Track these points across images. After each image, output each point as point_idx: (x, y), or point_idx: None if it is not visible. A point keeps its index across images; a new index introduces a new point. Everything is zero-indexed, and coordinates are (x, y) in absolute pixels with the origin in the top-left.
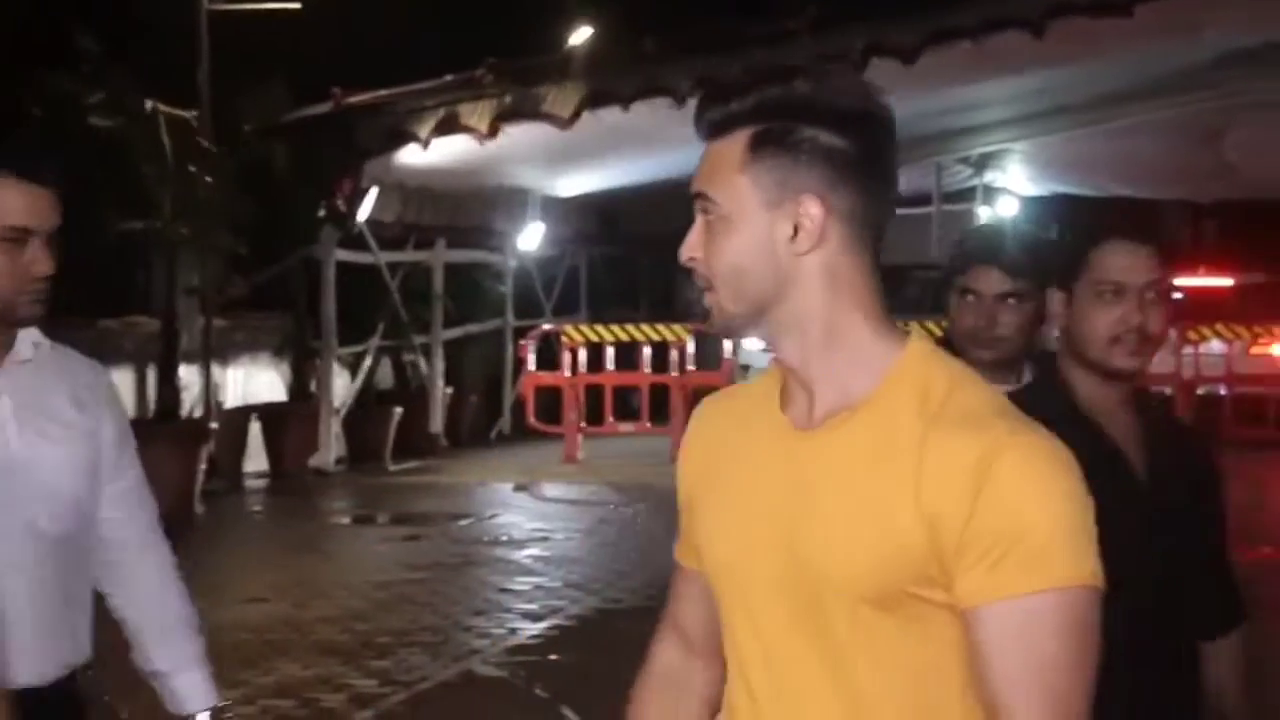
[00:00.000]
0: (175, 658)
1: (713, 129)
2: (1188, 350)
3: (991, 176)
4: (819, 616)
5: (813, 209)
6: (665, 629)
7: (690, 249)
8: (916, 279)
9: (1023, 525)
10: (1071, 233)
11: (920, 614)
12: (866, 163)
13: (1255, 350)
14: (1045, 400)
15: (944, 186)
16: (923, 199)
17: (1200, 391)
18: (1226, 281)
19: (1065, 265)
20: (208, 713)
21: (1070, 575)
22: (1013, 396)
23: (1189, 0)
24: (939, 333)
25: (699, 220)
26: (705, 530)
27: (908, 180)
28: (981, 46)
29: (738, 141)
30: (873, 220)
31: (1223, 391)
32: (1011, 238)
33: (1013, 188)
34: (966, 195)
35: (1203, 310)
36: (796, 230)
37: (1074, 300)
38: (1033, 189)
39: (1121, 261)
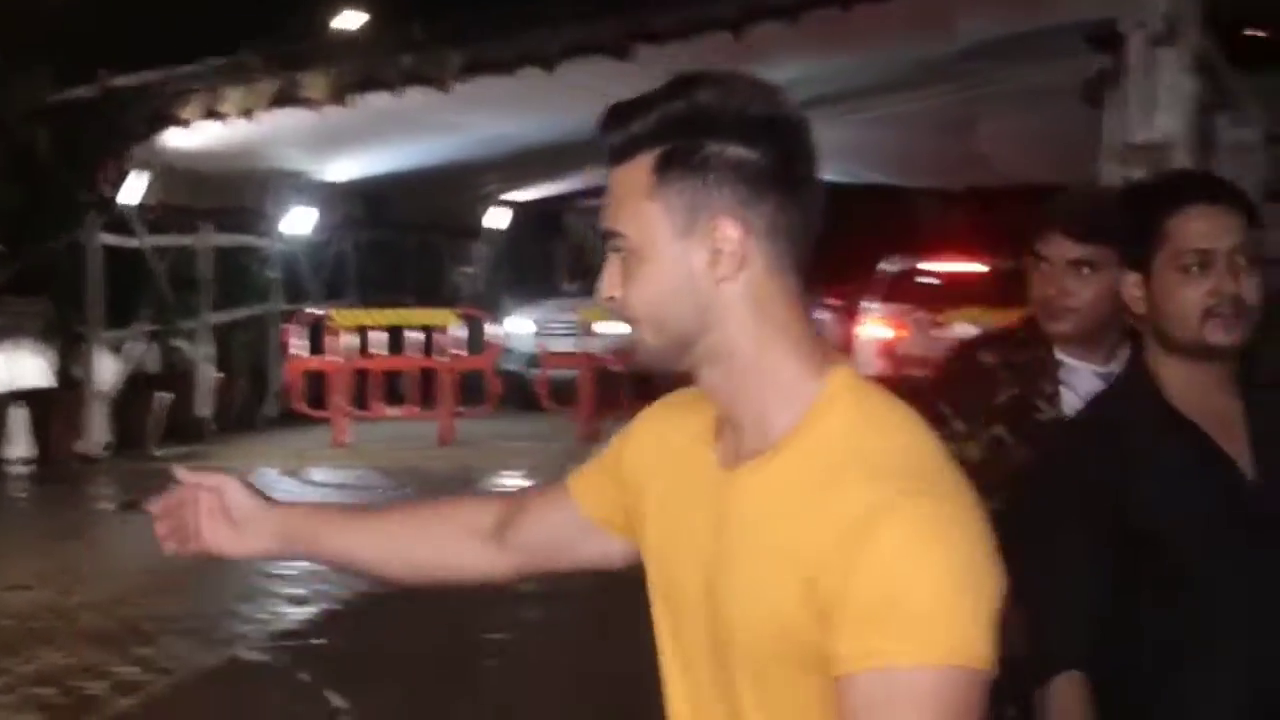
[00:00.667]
0: None
1: (614, 154)
2: (942, 332)
3: None
4: (729, 672)
5: (730, 232)
6: (503, 501)
7: (607, 289)
8: None
9: (898, 592)
10: (1139, 201)
11: None
12: (783, 173)
13: None
14: (1133, 403)
15: None
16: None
17: None
18: (978, 266)
19: (1137, 241)
20: None
21: (947, 654)
22: (1098, 400)
23: None
24: None
25: (612, 257)
26: (645, 541)
27: None
28: (740, 37)
29: (642, 166)
30: (798, 236)
31: None
32: (1087, 199)
33: None
34: None
35: (955, 293)
36: (715, 257)
37: (1153, 279)
38: None
39: (1204, 227)
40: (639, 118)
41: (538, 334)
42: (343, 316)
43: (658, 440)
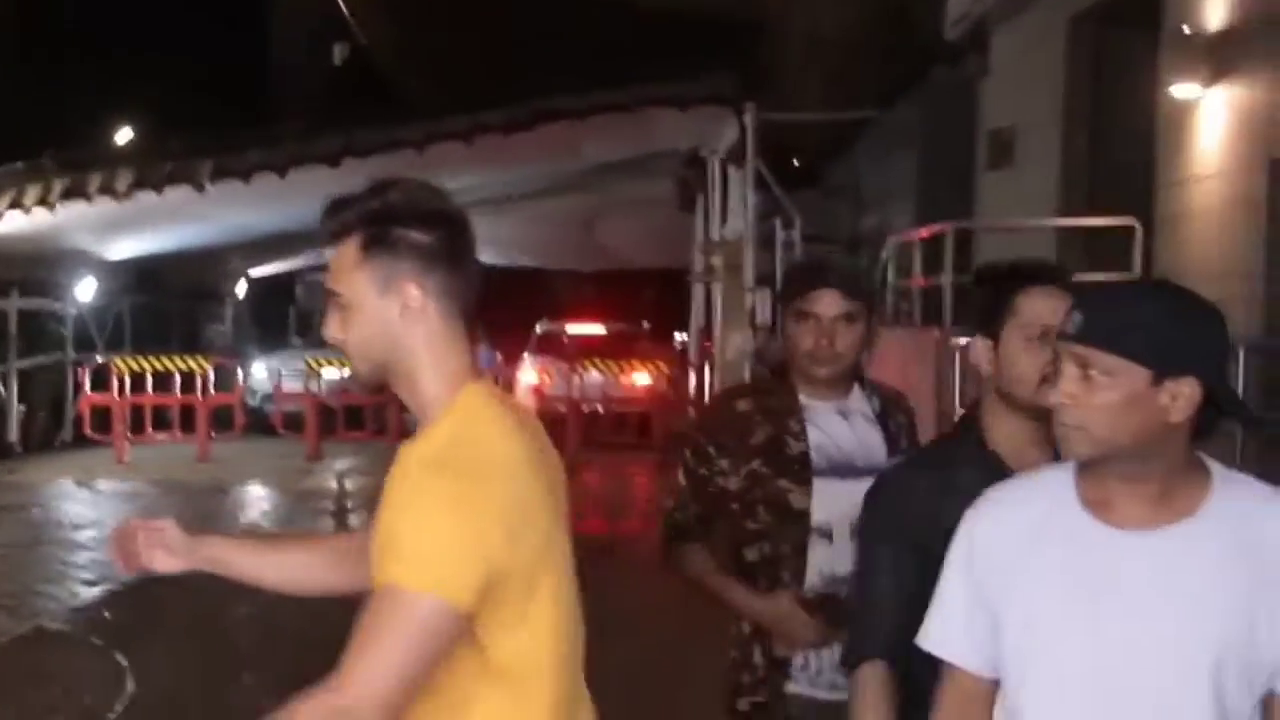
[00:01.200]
0: None
1: (332, 236)
2: (576, 378)
3: None
4: None
5: (413, 292)
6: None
7: (331, 330)
8: None
9: (399, 533)
10: (989, 281)
11: None
12: (449, 250)
13: (622, 379)
14: (962, 447)
15: None
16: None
17: (585, 409)
18: (601, 329)
19: (989, 312)
20: None
21: (430, 584)
22: (933, 442)
23: (574, 126)
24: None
25: (333, 309)
26: None
27: None
28: (424, 154)
29: (352, 246)
30: (460, 294)
31: (600, 409)
32: (839, 265)
33: None
34: None
35: (586, 349)
36: (404, 309)
37: (1001, 345)
38: None
39: (1047, 306)
40: (348, 210)
41: (273, 377)
42: (122, 363)
43: None
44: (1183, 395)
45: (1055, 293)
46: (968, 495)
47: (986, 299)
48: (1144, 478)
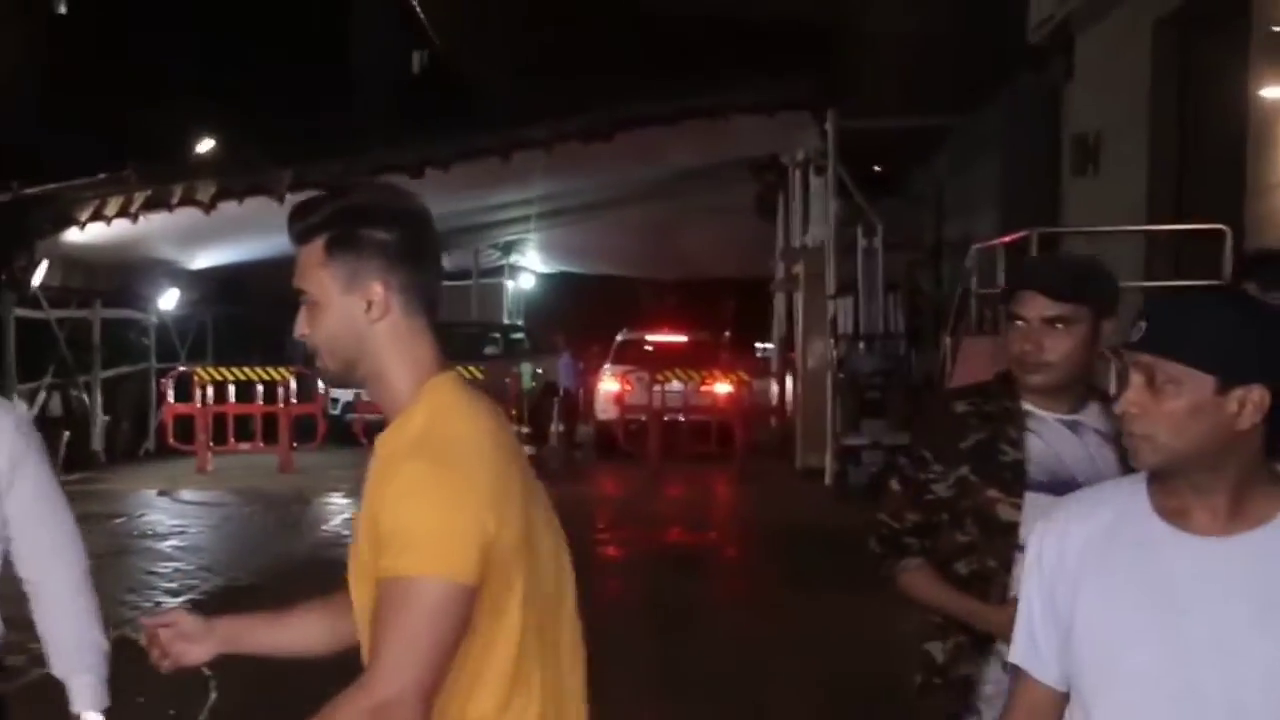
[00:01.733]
0: (68, 666)
1: (298, 238)
2: (657, 387)
3: (515, 258)
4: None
5: (377, 289)
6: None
7: (300, 328)
8: (459, 334)
9: (399, 527)
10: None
11: None
12: (412, 250)
13: (703, 389)
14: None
15: (480, 265)
16: (465, 274)
17: (666, 418)
18: (682, 338)
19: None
20: (97, 714)
21: (431, 568)
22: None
23: (656, 132)
24: (479, 375)
25: (302, 308)
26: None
27: (453, 260)
28: (509, 162)
29: (317, 246)
30: (424, 291)
31: (681, 418)
32: (1058, 264)
33: (530, 266)
34: (497, 272)
35: (667, 358)
36: (369, 306)
37: None
38: (544, 268)
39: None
40: (314, 213)
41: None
42: (205, 373)
43: None
44: (1251, 402)
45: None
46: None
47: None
48: (1213, 487)
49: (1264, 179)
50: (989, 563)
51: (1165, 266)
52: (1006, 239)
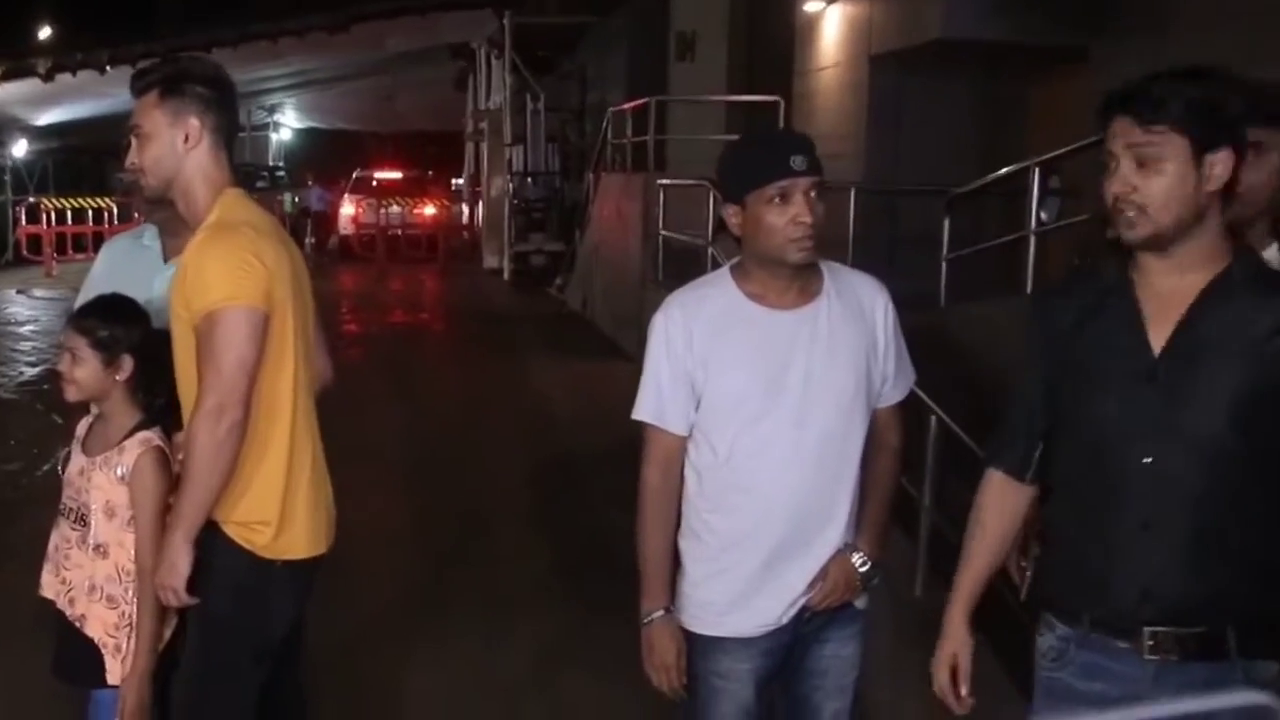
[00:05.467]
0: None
1: (140, 90)
2: (383, 210)
3: (277, 116)
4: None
5: (194, 123)
6: None
7: (131, 157)
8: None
9: (195, 279)
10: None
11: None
12: (220, 102)
13: (415, 211)
14: (1102, 278)
15: (252, 121)
16: (240, 128)
17: (389, 233)
18: (399, 175)
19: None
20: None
21: (224, 300)
22: (1075, 276)
23: (381, 25)
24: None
25: (134, 141)
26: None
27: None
28: (276, 44)
29: (154, 93)
30: (226, 132)
31: (400, 233)
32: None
33: (288, 123)
34: (264, 127)
35: (389, 190)
36: (186, 138)
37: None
38: (298, 124)
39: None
40: (155, 72)
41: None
42: (49, 202)
43: None
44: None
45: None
46: (1096, 320)
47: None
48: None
49: (804, 66)
50: None
51: (739, 125)
52: (630, 105)
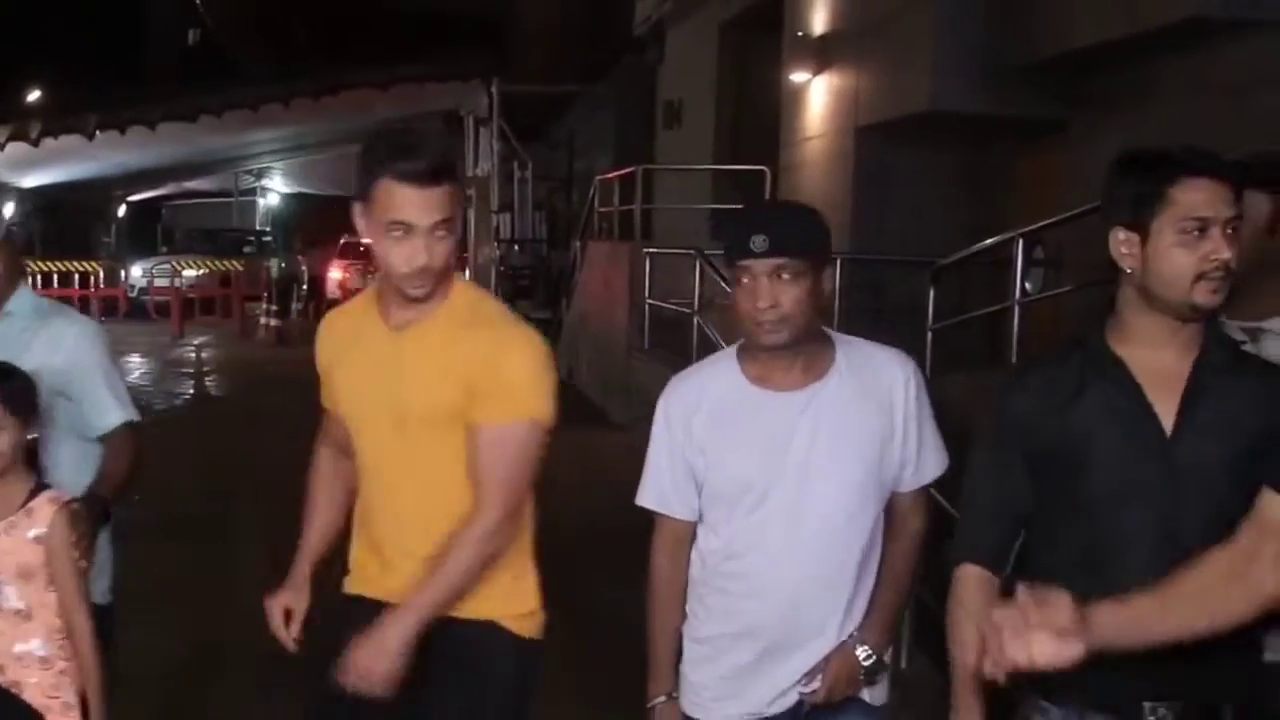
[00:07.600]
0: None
1: (436, 179)
2: (369, 275)
3: (265, 181)
4: (407, 440)
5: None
6: (323, 441)
7: (423, 256)
8: (225, 238)
9: (511, 381)
10: (1137, 169)
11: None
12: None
13: None
14: (1083, 347)
15: (239, 186)
16: (227, 194)
17: None
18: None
19: (1136, 204)
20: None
21: (527, 414)
22: (1057, 348)
23: (369, 92)
24: (240, 267)
25: (449, 234)
26: (340, 394)
27: (218, 183)
28: (257, 112)
29: (449, 184)
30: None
31: None
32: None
33: (275, 188)
34: (251, 192)
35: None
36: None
37: (1149, 241)
38: (286, 189)
39: (1203, 197)
40: (444, 159)
41: (147, 276)
42: (35, 264)
43: (334, 334)
44: (829, 277)
45: (1212, 185)
46: (1085, 399)
47: (1135, 187)
48: (797, 351)
49: (791, 137)
50: None
51: (726, 193)
52: (618, 173)
